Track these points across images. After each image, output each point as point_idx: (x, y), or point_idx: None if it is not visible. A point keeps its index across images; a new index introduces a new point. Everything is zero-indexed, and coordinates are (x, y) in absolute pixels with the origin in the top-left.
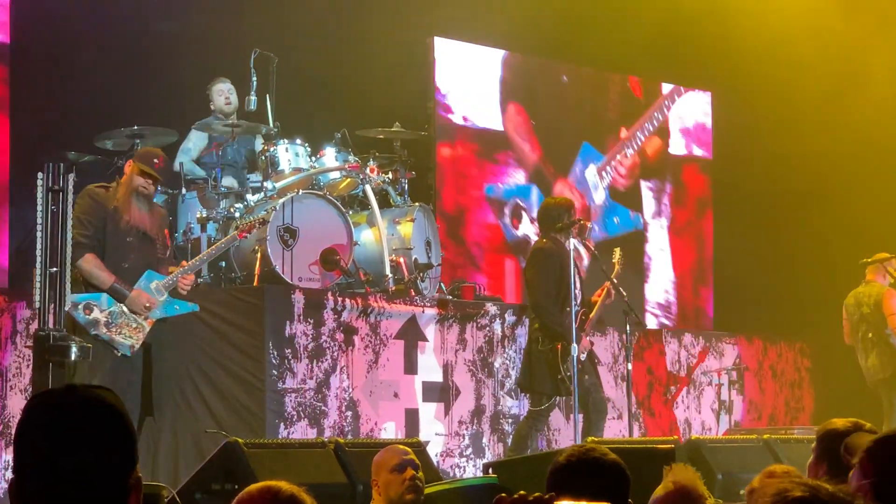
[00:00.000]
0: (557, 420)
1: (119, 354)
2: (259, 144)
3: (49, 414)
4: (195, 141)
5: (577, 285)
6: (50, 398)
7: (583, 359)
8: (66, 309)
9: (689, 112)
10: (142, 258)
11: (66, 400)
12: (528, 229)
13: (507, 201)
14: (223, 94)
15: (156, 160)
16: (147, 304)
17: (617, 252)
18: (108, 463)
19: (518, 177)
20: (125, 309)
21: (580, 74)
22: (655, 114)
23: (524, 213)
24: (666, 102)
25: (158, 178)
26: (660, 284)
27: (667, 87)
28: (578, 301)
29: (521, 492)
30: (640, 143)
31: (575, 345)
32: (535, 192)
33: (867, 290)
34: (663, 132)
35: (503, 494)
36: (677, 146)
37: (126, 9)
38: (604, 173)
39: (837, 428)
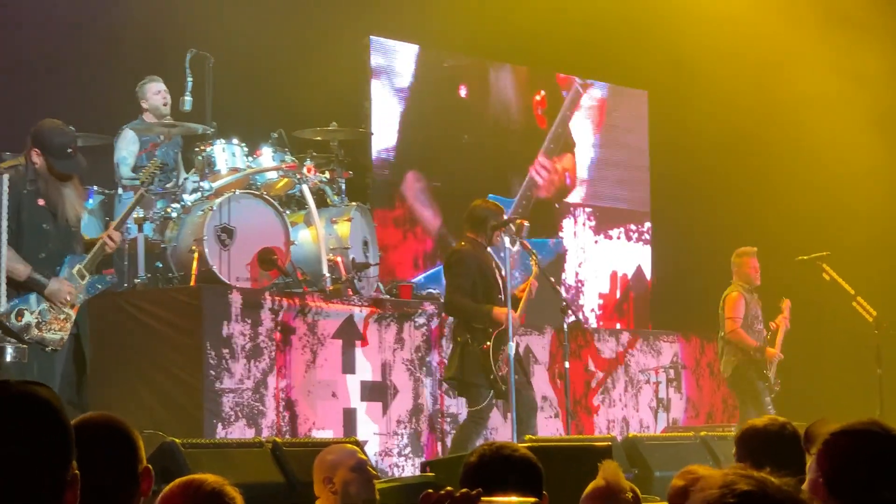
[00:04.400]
0: (495, 419)
1: (49, 350)
2: (178, 146)
3: None
4: (128, 146)
5: (500, 285)
6: None
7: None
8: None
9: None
10: (60, 245)
11: (1, 395)
12: None
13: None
14: (160, 93)
15: (69, 149)
16: (68, 297)
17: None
18: (43, 457)
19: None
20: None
21: (480, 96)
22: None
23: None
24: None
25: (72, 175)
26: (594, 289)
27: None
28: (503, 301)
29: (448, 487)
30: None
31: (511, 343)
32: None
33: (725, 291)
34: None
35: (430, 490)
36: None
37: (62, 7)
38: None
39: (756, 426)
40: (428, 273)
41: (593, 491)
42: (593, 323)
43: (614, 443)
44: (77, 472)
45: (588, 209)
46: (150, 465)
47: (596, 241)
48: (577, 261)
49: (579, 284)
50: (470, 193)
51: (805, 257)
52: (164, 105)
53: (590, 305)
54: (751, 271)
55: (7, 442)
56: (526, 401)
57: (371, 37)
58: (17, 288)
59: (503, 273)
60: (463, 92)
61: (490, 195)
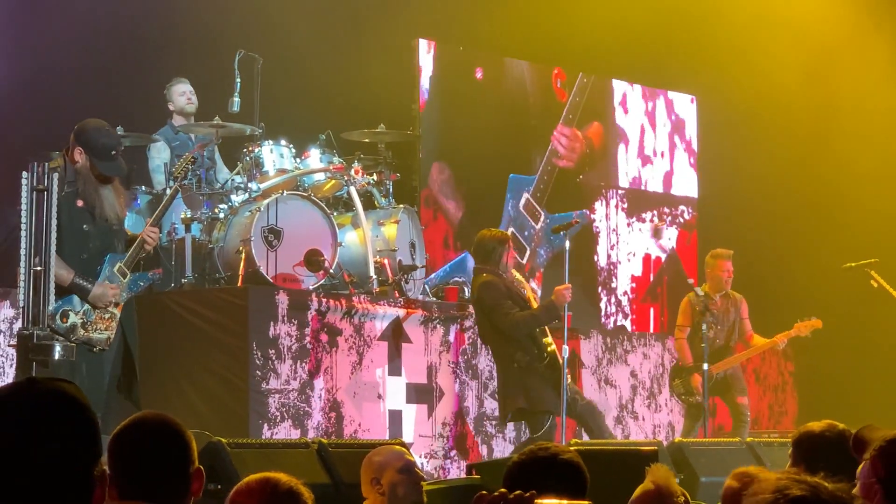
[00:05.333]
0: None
1: (97, 350)
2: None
3: (10, 405)
4: (160, 154)
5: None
6: (11, 390)
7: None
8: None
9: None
10: (101, 244)
11: (28, 391)
12: None
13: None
14: (185, 94)
15: (113, 151)
16: (112, 298)
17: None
18: (72, 454)
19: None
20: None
21: (495, 77)
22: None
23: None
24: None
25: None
26: (626, 272)
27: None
28: None
29: (502, 489)
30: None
31: (565, 346)
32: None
33: None
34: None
35: (483, 492)
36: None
37: (111, 7)
38: (538, 194)
39: (813, 431)
40: (452, 262)
41: (643, 494)
42: (626, 305)
43: (660, 447)
44: (105, 468)
45: (620, 191)
46: (201, 466)
47: (629, 224)
48: (610, 243)
49: (612, 267)
50: (492, 175)
51: (853, 264)
52: (189, 104)
53: (622, 288)
54: (722, 274)
55: (36, 439)
56: (588, 409)
57: (420, 39)
58: (60, 290)
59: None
60: (479, 74)
61: (511, 174)
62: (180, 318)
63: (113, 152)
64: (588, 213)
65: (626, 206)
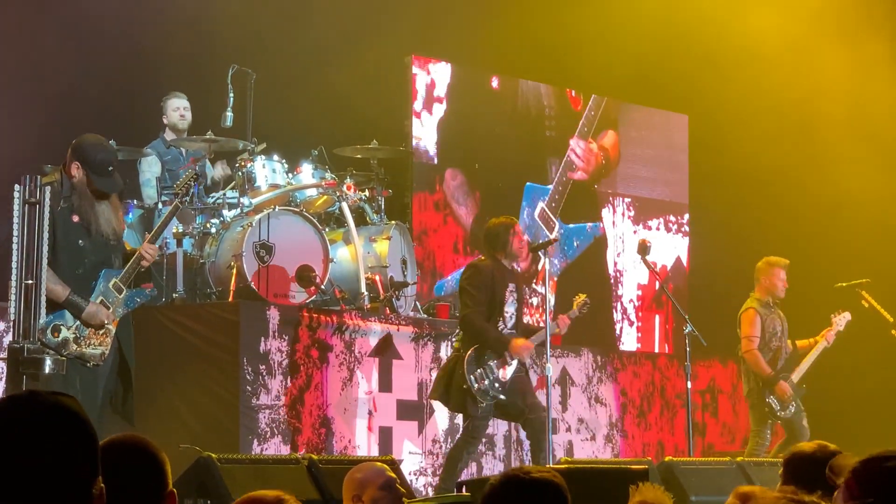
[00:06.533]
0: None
1: (91, 366)
2: (209, 164)
3: (10, 418)
4: (150, 167)
5: (512, 308)
6: (11, 402)
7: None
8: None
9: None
10: (96, 260)
11: (29, 404)
12: None
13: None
14: (178, 110)
15: (110, 167)
16: (104, 320)
17: (580, 298)
18: (71, 469)
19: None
20: None
21: (511, 87)
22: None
23: None
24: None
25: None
26: (632, 279)
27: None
28: (510, 324)
29: None
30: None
31: (549, 365)
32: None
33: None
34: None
35: None
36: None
37: (107, 22)
38: (553, 204)
39: (804, 451)
40: (454, 274)
41: None
42: (632, 313)
43: (650, 466)
44: (103, 486)
45: (627, 199)
46: (174, 490)
47: (635, 232)
48: (616, 251)
49: (618, 274)
50: (508, 184)
51: (844, 284)
52: (181, 120)
53: (628, 296)
54: (778, 282)
55: (35, 452)
56: (532, 423)
57: (413, 56)
58: (54, 306)
59: (526, 295)
60: (495, 83)
61: (528, 183)
62: (171, 333)
63: (110, 168)
64: (602, 225)
65: (632, 214)
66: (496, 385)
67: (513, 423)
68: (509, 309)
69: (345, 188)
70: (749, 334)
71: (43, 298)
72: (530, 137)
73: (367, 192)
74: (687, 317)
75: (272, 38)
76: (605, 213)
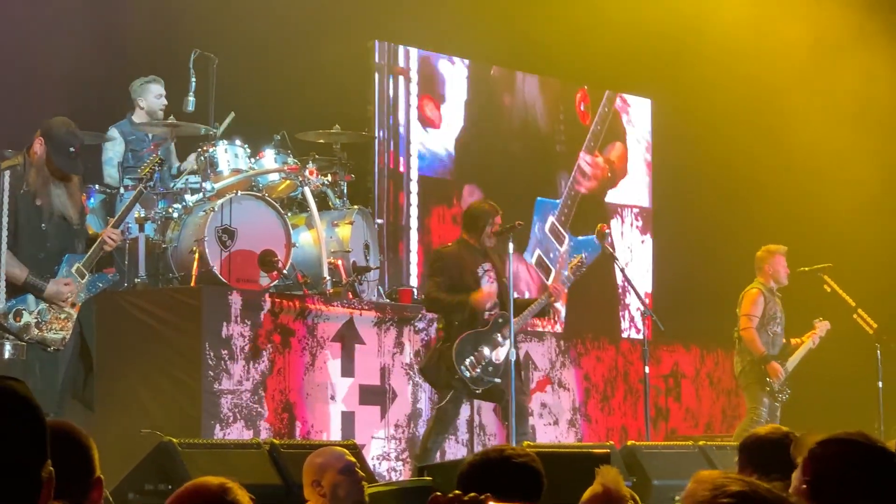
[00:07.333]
0: (493, 425)
1: (51, 350)
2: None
3: None
4: (114, 146)
5: (493, 286)
6: None
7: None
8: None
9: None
10: (59, 244)
11: None
12: None
13: None
14: (162, 97)
15: (72, 149)
16: (68, 295)
17: (576, 260)
18: (19, 454)
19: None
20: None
21: (522, 103)
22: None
23: None
24: (605, 109)
25: (74, 176)
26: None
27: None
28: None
29: (456, 491)
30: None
31: (512, 350)
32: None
33: (745, 288)
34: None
35: (438, 494)
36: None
37: (71, 5)
38: (563, 218)
39: (759, 435)
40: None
41: (591, 498)
42: (639, 321)
43: (612, 450)
44: (52, 469)
45: (635, 210)
46: (101, 476)
47: (642, 241)
48: (624, 261)
49: (625, 284)
50: (520, 199)
51: (806, 268)
52: (162, 109)
53: (635, 304)
54: (780, 269)
55: None
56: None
57: (375, 40)
58: (15, 289)
59: (504, 276)
60: (507, 100)
61: (538, 198)
62: (133, 318)
63: (72, 149)
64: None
65: (640, 223)
66: (489, 369)
67: (475, 408)
68: (488, 287)
69: (307, 173)
70: (749, 312)
71: (2, 283)
72: (540, 153)
73: (329, 177)
74: (646, 300)
75: (234, 23)
76: (614, 223)
